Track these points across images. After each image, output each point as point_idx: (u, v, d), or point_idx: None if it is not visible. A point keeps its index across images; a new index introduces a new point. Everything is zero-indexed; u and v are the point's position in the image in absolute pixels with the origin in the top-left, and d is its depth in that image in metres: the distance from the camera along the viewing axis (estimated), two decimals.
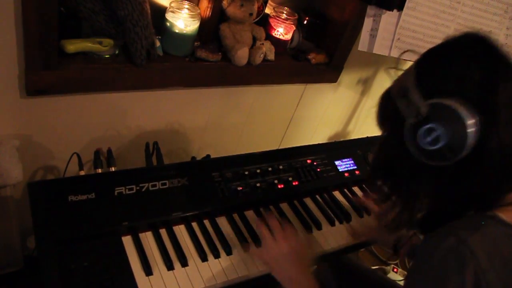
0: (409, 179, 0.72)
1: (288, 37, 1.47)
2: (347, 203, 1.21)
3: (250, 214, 1.07)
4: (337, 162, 1.27)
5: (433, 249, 0.65)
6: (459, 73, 0.63)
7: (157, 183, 0.98)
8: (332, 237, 1.10)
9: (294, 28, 1.47)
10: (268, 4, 1.41)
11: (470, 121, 0.60)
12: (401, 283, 1.26)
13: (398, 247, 1.09)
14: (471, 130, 0.60)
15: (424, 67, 0.69)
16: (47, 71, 1.03)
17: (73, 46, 1.07)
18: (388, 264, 2.06)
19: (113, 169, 1.15)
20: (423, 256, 0.69)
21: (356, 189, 1.28)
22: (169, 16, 1.20)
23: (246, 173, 1.10)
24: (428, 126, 0.64)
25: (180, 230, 0.97)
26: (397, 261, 2.09)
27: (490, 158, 0.63)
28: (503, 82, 0.61)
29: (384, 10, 1.27)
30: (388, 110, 0.74)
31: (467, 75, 0.62)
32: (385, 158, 0.77)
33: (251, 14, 1.28)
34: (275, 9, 1.44)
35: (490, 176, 0.64)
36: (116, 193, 0.92)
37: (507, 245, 0.62)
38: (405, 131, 0.68)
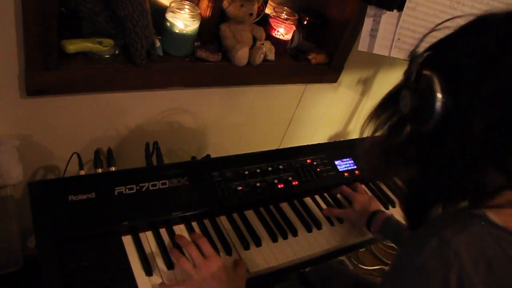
0: (400, 145, 0.73)
1: (288, 37, 1.47)
2: (347, 203, 1.21)
3: (250, 213, 1.07)
4: (337, 162, 1.27)
5: (415, 251, 0.61)
6: (459, 50, 0.64)
7: (157, 182, 0.98)
8: (332, 237, 1.10)
9: (294, 28, 1.47)
10: (268, 4, 1.41)
11: (439, 96, 0.61)
12: None
13: (371, 224, 1.09)
14: (438, 104, 0.61)
15: (446, 39, 0.69)
16: (47, 71, 1.03)
17: (73, 46, 1.07)
18: (388, 264, 2.06)
19: (113, 169, 1.15)
20: (404, 258, 0.64)
21: (344, 186, 1.27)
22: (169, 16, 1.20)
23: (246, 173, 1.10)
24: (404, 91, 0.67)
25: (180, 230, 0.97)
26: None
27: (456, 136, 0.62)
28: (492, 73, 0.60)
29: (384, 10, 1.27)
30: (389, 103, 0.77)
31: (466, 53, 0.63)
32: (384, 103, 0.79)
33: (251, 14, 1.29)
34: (275, 9, 1.44)
35: (462, 157, 0.62)
36: (116, 193, 0.93)
37: (494, 248, 0.58)
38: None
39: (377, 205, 1.16)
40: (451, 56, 0.65)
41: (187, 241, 0.90)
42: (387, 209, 1.25)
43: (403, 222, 0.99)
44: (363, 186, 1.27)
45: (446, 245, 0.57)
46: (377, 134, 0.78)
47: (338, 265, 1.34)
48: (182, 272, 0.87)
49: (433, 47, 0.70)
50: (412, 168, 0.73)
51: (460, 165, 0.63)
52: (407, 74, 0.68)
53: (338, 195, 1.23)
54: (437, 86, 0.62)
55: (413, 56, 0.69)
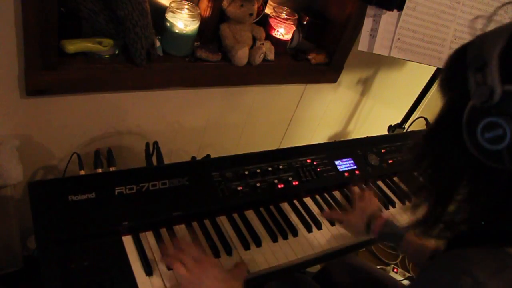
0: (454, 171, 0.60)
1: (288, 37, 1.47)
2: (347, 202, 1.21)
3: (250, 213, 1.07)
4: (337, 162, 1.27)
5: (445, 286, 0.54)
6: None
7: (157, 182, 0.98)
8: (333, 237, 1.10)
9: (294, 28, 1.47)
10: (268, 4, 1.41)
11: None
12: (404, 282, 1.26)
13: (369, 227, 1.08)
14: None
15: None
16: (47, 71, 1.03)
17: (73, 46, 1.07)
18: (388, 264, 2.06)
19: (113, 169, 1.15)
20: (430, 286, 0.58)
21: (356, 189, 1.27)
22: (169, 16, 1.20)
23: (246, 173, 1.10)
24: (493, 118, 0.50)
25: (180, 230, 0.97)
26: (397, 261, 2.10)
27: None
28: None
29: (384, 10, 1.27)
30: (456, 75, 0.58)
31: None
32: (435, 137, 0.63)
33: (251, 14, 1.29)
34: (275, 9, 1.44)
35: None
36: (116, 193, 0.92)
37: None
38: (465, 112, 0.54)
39: (375, 209, 1.15)
40: None
41: (175, 250, 0.88)
42: (387, 209, 1.25)
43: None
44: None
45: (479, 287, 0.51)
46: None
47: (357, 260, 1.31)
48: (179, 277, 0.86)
49: (506, 50, 0.51)
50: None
51: None
52: (485, 92, 0.51)
53: (339, 197, 1.23)
54: None
55: (479, 62, 0.52)
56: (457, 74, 0.57)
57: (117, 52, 1.16)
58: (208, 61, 1.29)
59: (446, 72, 0.61)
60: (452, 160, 0.59)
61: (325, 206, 1.17)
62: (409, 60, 1.38)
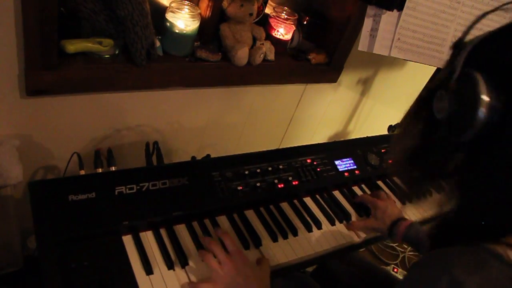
0: (433, 151, 0.64)
1: (288, 37, 1.47)
2: (347, 202, 1.21)
3: (250, 213, 1.07)
4: (337, 162, 1.27)
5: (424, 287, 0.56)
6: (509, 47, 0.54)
7: (157, 182, 0.98)
8: (333, 236, 1.10)
9: (294, 28, 1.47)
10: (268, 4, 1.41)
11: (485, 99, 0.52)
12: None
13: (393, 232, 1.08)
14: (482, 109, 0.52)
15: (494, 33, 0.57)
16: (47, 71, 1.03)
17: (73, 46, 1.07)
18: (388, 264, 2.06)
19: (113, 168, 1.15)
20: None
21: (356, 188, 1.28)
22: (169, 16, 1.20)
23: (246, 172, 1.10)
24: (441, 91, 0.58)
25: (181, 230, 0.97)
26: (397, 261, 2.10)
27: (503, 150, 0.53)
28: None
29: (384, 10, 1.27)
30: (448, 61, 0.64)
31: None
32: (416, 108, 0.68)
33: (251, 14, 1.29)
34: (275, 9, 1.44)
35: (505, 177, 0.54)
36: (116, 193, 0.92)
37: None
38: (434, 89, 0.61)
39: (398, 212, 1.14)
40: (503, 53, 0.55)
41: (209, 239, 0.91)
42: None
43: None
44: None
45: (458, 286, 0.52)
46: (407, 139, 0.69)
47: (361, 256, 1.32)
48: (209, 270, 0.87)
49: (481, 42, 0.57)
50: (448, 184, 0.64)
51: (506, 186, 0.54)
52: (447, 71, 0.59)
53: (339, 197, 1.23)
54: (483, 87, 0.52)
55: (457, 49, 0.59)
56: (423, 105, 0.65)
57: (117, 52, 1.16)
58: (208, 61, 1.29)
59: (414, 105, 0.68)
60: (426, 134, 0.64)
61: (325, 206, 1.17)
62: (409, 60, 1.38)
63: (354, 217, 1.17)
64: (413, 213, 1.27)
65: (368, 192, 1.28)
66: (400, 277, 1.96)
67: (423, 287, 0.56)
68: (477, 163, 0.57)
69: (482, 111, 0.52)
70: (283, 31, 1.45)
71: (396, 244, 2.17)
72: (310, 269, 1.32)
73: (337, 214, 1.16)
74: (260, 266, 0.91)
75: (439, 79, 0.61)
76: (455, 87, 0.56)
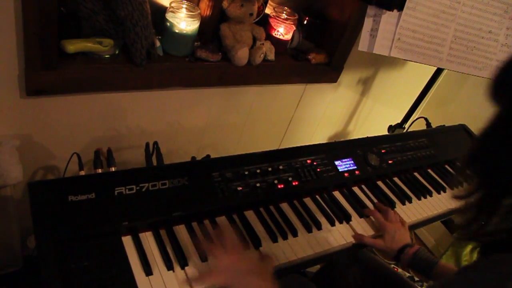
0: (504, 179, 0.61)
1: (288, 37, 1.47)
2: (347, 203, 1.21)
3: (250, 214, 1.07)
4: (337, 162, 1.27)
5: None
6: None
7: (157, 183, 0.98)
8: (333, 237, 1.10)
9: (294, 28, 1.47)
10: (268, 4, 1.41)
11: None
12: None
13: (400, 258, 1.09)
14: None
15: None
16: (47, 71, 1.03)
17: (73, 46, 1.07)
18: (389, 264, 2.06)
19: (113, 169, 1.15)
20: None
21: (356, 189, 1.28)
22: (169, 16, 1.20)
23: (246, 173, 1.10)
24: None
25: (180, 230, 0.97)
26: None
27: None
28: None
29: (384, 10, 1.27)
30: (508, 82, 0.60)
31: None
32: (488, 142, 0.64)
33: (251, 14, 1.29)
34: (275, 9, 1.44)
35: None
36: (116, 193, 0.92)
37: None
38: None
39: (406, 237, 1.14)
40: None
41: (215, 232, 0.93)
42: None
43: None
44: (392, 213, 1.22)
45: None
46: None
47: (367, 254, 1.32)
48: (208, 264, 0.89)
49: None
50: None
51: None
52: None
53: (339, 197, 1.23)
54: None
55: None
56: (508, 85, 0.59)
57: (117, 52, 1.16)
58: (208, 61, 1.29)
59: (500, 73, 0.61)
60: (502, 167, 0.61)
61: (325, 206, 1.17)
62: (409, 60, 1.38)
63: (354, 217, 1.17)
64: (414, 213, 1.27)
65: (368, 192, 1.28)
66: None
67: None
68: None
69: None
70: (283, 31, 1.44)
71: None
72: (313, 269, 1.31)
73: (337, 214, 1.16)
74: (263, 261, 0.91)
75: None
76: None
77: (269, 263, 0.91)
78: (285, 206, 1.13)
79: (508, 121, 0.56)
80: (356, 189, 1.28)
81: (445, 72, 1.77)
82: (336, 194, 1.23)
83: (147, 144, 1.21)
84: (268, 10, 1.44)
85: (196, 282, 0.85)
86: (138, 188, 0.95)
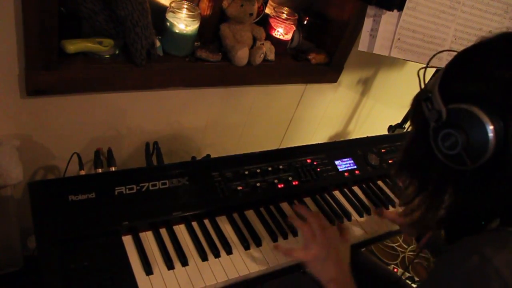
0: (435, 179, 0.72)
1: (288, 37, 1.47)
2: (347, 202, 1.21)
3: (250, 213, 1.07)
4: (337, 162, 1.27)
5: (456, 268, 0.62)
6: (487, 73, 0.62)
7: (157, 182, 0.98)
8: None
9: (294, 28, 1.47)
10: (268, 4, 1.41)
11: (490, 127, 0.59)
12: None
13: (419, 238, 1.14)
14: (491, 135, 0.59)
15: (450, 69, 0.68)
16: (47, 71, 1.03)
17: (73, 46, 1.07)
18: (388, 264, 2.06)
19: (113, 169, 1.15)
20: (444, 273, 0.65)
21: (356, 188, 1.28)
22: (169, 16, 1.20)
23: (246, 173, 1.10)
24: (446, 131, 0.65)
25: (180, 230, 0.97)
26: (397, 261, 2.10)
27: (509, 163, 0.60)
28: None
29: (384, 10, 1.28)
30: (416, 110, 0.74)
31: (494, 75, 0.60)
32: (412, 156, 0.77)
33: (251, 14, 1.29)
34: (275, 9, 1.44)
35: None
36: (116, 193, 0.92)
37: None
38: (430, 133, 0.69)
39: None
40: (480, 82, 0.62)
41: (306, 211, 1.01)
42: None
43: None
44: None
45: (487, 263, 0.58)
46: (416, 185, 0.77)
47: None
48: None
49: (449, 79, 0.67)
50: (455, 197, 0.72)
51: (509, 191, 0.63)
52: (435, 114, 0.66)
53: (339, 197, 1.23)
54: (483, 116, 0.59)
55: (425, 95, 0.69)
56: (416, 108, 0.74)
57: (117, 52, 1.16)
58: (208, 61, 1.29)
59: (410, 108, 0.77)
60: (429, 169, 0.72)
61: (325, 206, 1.17)
62: (409, 60, 1.38)
63: (354, 217, 1.17)
64: None
65: (369, 192, 1.28)
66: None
67: (455, 268, 0.62)
68: (477, 179, 0.65)
69: (491, 137, 0.59)
70: (283, 31, 1.45)
71: (396, 244, 2.17)
72: None
73: (337, 214, 1.16)
74: (345, 245, 0.96)
75: (421, 125, 0.71)
76: (455, 124, 0.63)
77: (347, 247, 0.96)
78: (285, 206, 1.13)
79: (424, 135, 0.70)
80: (356, 189, 1.28)
81: None
82: (336, 194, 1.24)
83: (147, 144, 1.21)
84: (268, 10, 1.44)
85: (285, 253, 0.95)
86: (138, 188, 0.95)
